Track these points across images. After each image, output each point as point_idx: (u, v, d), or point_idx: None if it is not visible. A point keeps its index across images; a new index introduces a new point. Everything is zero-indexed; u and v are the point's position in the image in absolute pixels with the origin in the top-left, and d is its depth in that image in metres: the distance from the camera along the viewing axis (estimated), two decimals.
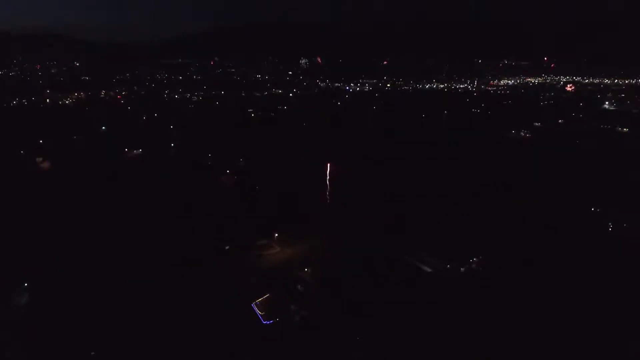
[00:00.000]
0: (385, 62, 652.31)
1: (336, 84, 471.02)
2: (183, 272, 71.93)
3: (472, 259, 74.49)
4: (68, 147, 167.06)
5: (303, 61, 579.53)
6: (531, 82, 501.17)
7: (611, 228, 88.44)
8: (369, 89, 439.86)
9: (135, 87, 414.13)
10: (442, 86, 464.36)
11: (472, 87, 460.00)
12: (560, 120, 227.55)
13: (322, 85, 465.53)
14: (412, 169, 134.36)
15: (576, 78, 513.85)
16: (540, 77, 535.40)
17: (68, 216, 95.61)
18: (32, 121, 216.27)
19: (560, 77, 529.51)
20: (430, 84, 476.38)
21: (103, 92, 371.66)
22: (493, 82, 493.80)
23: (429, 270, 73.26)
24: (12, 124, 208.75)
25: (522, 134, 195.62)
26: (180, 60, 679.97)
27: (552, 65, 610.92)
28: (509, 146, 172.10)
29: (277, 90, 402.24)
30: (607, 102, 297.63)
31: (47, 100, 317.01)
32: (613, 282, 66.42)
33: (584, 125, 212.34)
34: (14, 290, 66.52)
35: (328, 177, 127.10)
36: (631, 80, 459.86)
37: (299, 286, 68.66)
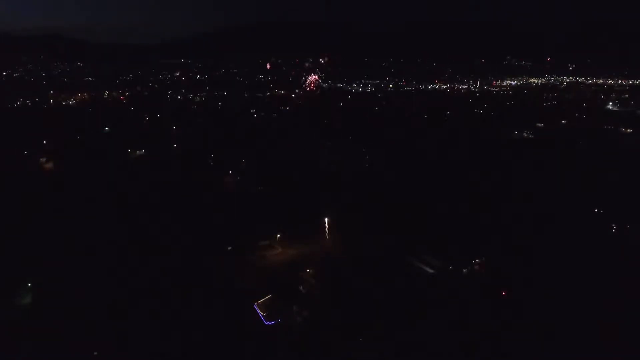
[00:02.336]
0: (387, 63, 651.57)
1: (338, 85, 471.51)
2: (185, 272, 72.11)
3: (475, 260, 74.28)
4: (71, 148, 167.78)
5: (307, 64, 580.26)
6: (534, 82, 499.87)
7: (614, 229, 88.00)
8: (371, 89, 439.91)
9: (138, 88, 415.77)
10: (444, 87, 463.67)
11: (475, 87, 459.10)
12: (563, 121, 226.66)
13: (324, 85, 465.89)
14: (414, 170, 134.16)
15: (579, 78, 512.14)
16: (544, 78, 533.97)
17: (71, 216, 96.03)
18: (36, 122, 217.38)
19: (563, 78, 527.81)
20: (433, 85, 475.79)
21: (106, 92, 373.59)
22: (495, 82, 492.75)
23: (431, 271, 73.13)
24: (16, 124, 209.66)
25: (525, 134, 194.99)
26: (182, 60, 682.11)
27: (554, 63, 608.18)
28: (511, 147, 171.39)
29: (280, 91, 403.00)
30: (610, 103, 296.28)
31: (51, 101, 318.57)
32: (616, 283, 66.05)
33: (587, 126, 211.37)
34: (17, 289, 66.89)
35: (329, 178, 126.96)
36: (635, 81, 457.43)
37: (301, 287, 68.71)
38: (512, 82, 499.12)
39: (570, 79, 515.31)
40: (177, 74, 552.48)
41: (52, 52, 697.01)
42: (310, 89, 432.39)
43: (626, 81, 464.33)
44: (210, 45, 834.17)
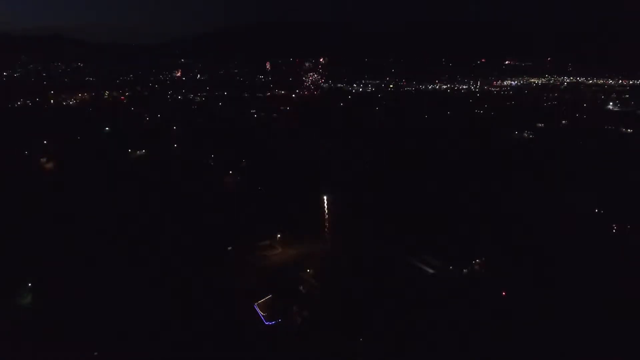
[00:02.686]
0: (386, 63, 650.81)
1: (338, 85, 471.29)
2: (185, 272, 72.10)
3: (475, 261, 74.27)
4: (72, 148, 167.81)
5: (307, 64, 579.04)
6: (534, 82, 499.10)
7: (615, 229, 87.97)
8: (371, 89, 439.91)
9: (138, 88, 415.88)
10: (444, 87, 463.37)
11: (475, 87, 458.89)
12: (563, 121, 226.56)
13: (324, 85, 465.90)
14: (415, 170, 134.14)
15: (580, 79, 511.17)
16: (544, 78, 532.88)
17: (72, 216, 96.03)
18: (36, 122, 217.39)
19: (564, 78, 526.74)
20: (433, 85, 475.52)
21: (106, 92, 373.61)
22: (496, 82, 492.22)
23: (431, 271, 73.11)
24: (17, 124, 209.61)
25: (525, 134, 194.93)
26: (182, 60, 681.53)
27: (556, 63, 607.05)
28: (511, 147, 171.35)
29: (280, 91, 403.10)
30: (610, 103, 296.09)
31: (51, 101, 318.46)
32: (617, 283, 66.01)
33: (587, 126, 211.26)
34: (17, 289, 66.87)
35: (329, 178, 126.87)
36: (635, 81, 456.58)
37: (301, 287, 68.70)
38: (512, 82, 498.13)
39: (570, 79, 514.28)
40: (177, 74, 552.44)
41: (52, 52, 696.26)
42: (310, 89, 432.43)
43: (626, 81, 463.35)
44: (210, 45, 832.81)
